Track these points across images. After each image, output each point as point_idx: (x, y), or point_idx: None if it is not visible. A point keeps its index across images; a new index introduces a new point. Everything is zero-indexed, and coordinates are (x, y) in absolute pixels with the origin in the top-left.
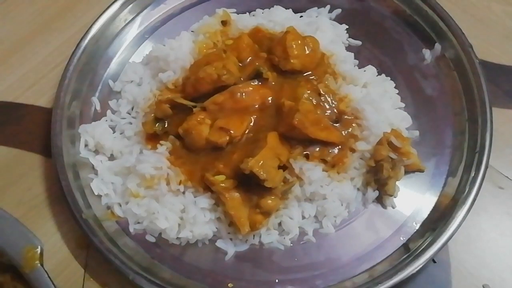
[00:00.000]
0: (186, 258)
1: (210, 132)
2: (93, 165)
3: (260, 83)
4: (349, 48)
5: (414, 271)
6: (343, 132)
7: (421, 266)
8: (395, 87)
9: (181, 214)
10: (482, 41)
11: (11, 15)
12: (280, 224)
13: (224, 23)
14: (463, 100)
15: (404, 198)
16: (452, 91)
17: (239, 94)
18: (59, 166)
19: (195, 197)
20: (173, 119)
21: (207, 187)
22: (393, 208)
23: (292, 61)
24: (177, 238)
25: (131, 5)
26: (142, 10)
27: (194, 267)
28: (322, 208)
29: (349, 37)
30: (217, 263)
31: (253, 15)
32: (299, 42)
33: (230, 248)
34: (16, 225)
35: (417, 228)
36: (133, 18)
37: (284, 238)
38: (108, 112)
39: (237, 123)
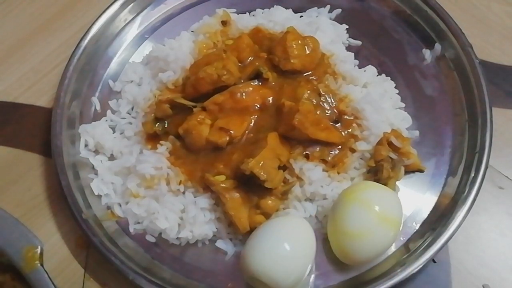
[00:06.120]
0: (186, 258)
1: (210, 132)
2: (93, 165)
3: (260, 83)
4: (349, 48)
5: (414, 271)
6: (343, 132)
7: (421, 266)
8: (395, 87)
9: (181, 214)
10: (482, 41)
11: (11, 15)
12: None
13: (224, 23)
14: (463, 100)
15: (404, 198)
16: (452, 91)
17: (239, 94)
18: (59, 166)
19: (195, 197)
20: (173, 119)
21: (207, 187)
22: None
23: (292, 61)
24: (177, 238)
25: (131, 5)
26: (142, 10)
27: (194, 267)
28: (322, 208)
29: (349, 37)
30: (217, 263)
31: (253, 15)
32: (299, 42)
33: (230, 248)
34: (16, 225)
35: (417, 228)
36: (133, 18)
37: None
38: (108, 112)
39: (237, 123)
